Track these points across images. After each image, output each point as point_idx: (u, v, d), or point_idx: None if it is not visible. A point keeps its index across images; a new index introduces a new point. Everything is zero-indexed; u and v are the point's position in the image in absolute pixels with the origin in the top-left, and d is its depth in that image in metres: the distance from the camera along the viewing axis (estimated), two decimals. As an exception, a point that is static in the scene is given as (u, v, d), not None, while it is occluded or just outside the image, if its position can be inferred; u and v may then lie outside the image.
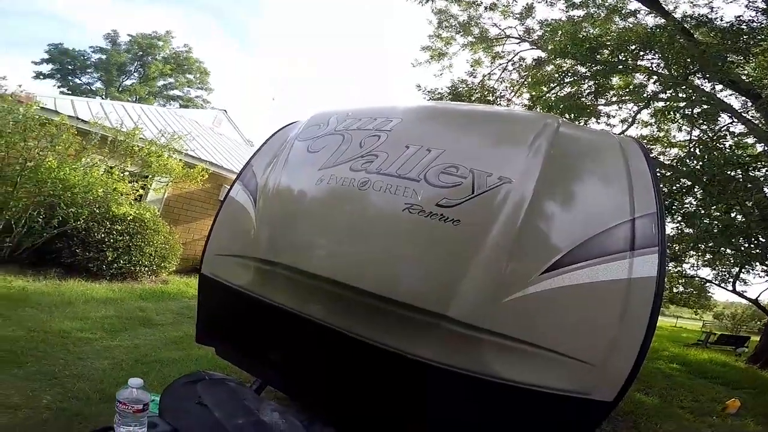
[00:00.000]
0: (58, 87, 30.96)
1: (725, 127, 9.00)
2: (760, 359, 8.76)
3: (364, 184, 1.73)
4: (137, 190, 7.21)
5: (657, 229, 1.60)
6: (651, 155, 2.07)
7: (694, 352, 10.98)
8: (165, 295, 6.29)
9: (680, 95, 8.42)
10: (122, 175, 6.83)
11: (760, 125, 8.11)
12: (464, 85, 10.73)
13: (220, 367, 3.34)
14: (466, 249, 1.55)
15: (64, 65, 31.39)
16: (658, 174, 8.83)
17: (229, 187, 2.73)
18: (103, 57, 32.15)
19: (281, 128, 2.95)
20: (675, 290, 17.61)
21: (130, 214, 6.60)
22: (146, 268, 6.77)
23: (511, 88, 11.08)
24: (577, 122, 8.93)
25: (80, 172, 6.21)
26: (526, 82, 10.72)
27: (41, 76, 30.77)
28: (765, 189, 7.80)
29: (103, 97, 28.74)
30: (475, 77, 11.24)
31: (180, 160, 7.85)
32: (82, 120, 6.93)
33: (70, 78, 31.94)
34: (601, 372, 1.56)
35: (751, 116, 8.82)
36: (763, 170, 8.04)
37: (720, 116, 8.81)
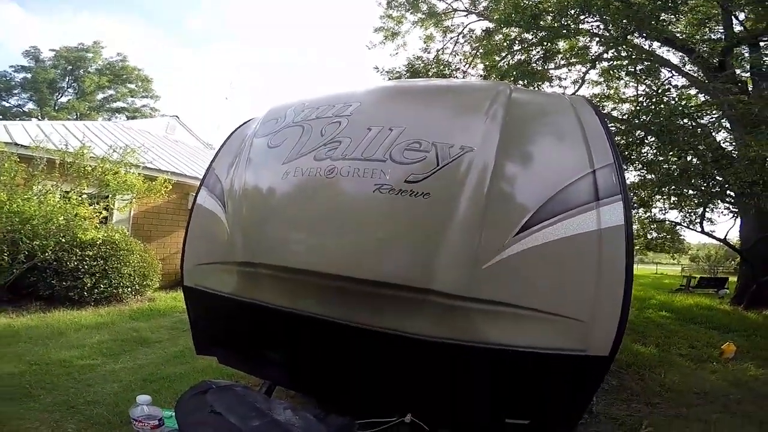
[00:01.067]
0: (-17, 113, 28.78)
1: (667, 81, 9.54)
2: (741, 300, 9.19)
3: (331, 171, 1.72)
4: (100, 213, 6.89)
5: (617, 178, 1.67)
6: (602, 111, 2.15)
7: (679, 297, 11.45)
8: (155, 313, 6.17)
9: (622, 54, 8.82)
10: (81, 199, 6.50)
11: (698, 77, 8.62)
12: (420, 62, 10.90)
13: (227, 375, 3.38)
14: (440, 221, 1.58)
15: (-14, 89, 29.15)
16: (613, 128, 9.33)
17: (195, 194, 2.67)
18: (29, 76, 29.91)
19: (238, 127, 2.87)
20: (649, 236, 18.52)
21: (99, 238, 6.32)
22: (129, 289, 6.58)
23: (465, 60, 11.33)
24: (530, 87, 9.28)
25: (35, 202, 5.89)
26: (478, 53, 10.95)
27: (-39, 103, 28.51)
28: (713, 134, 8.39)
29: (39, 118, 26.85)
30: (429, 53, 11.45)
31: (139, 174, 7.52)
32: (22, 145, 6.51)
33: (-5, 102, 29.73)
34: (592, 326, 1.61)
35: (689, 69, 9.43)
36: (707, 117, 8.59)
37: (661, 71, 9.40)
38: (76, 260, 5.93)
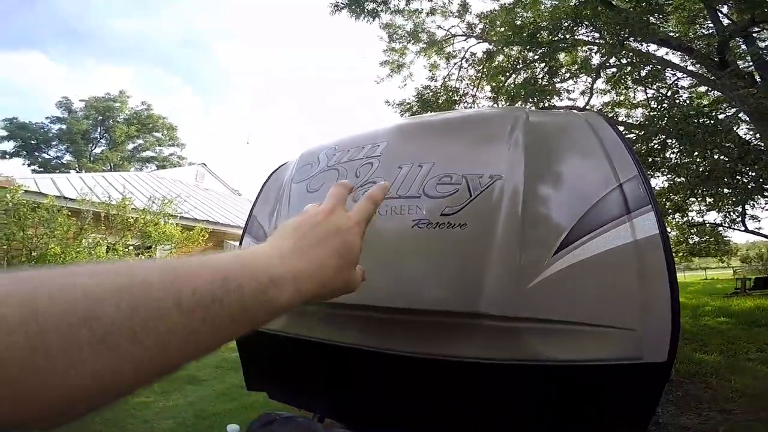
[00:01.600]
0: (28, 165, 30.72)
1: (674, 83, 9.52)
2: None
3: (370, 212, 1.85)
4: (144, 262, 7.31)
5: (644, 189, 1.71)
6: (616, 123, 2.21)
7: (735, 301, 10.98)
8: (201, 351, 6.40)
9: (623, 61, 8.94)
10: (126, 250, 6.93)
11: (704, 75, 8.59)
12: (428, 91, 11.23)
13: (274, 409, 3.48)
14: (480, 248, 1.66)
15: (27, 140, 31.08)
16: (632, 136, 9.30)
17: (239, 242, 2.84)
18: (64, 127, 31.91)
19: (272, 173, 3.07)
20: (691, 241, 17.68)
21: (146, 288, 6.69)
22: (172, 334, 6.86)
23: (472, 83, 11.59)
24: (541, 104, 9.42)
25: (85, 254, 6.33)
26: (483, 76, 11.21)
27: (6, 155, 30.53)
28: (734, 129, 8.25)
29: (77, 170, 28.53)
30: (436, 81, 11.82)
31: (176, 224, 7.98)
32: (70, 198, 7.07)
33: (36, 154, 31.65)
34: (644, 334, 1.62)
35: (694, 68, 9.45)
36: (723, 114, 8.49)
37: (666, 74, 9.40)
38: (126, 310, 6.26)
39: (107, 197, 7.37)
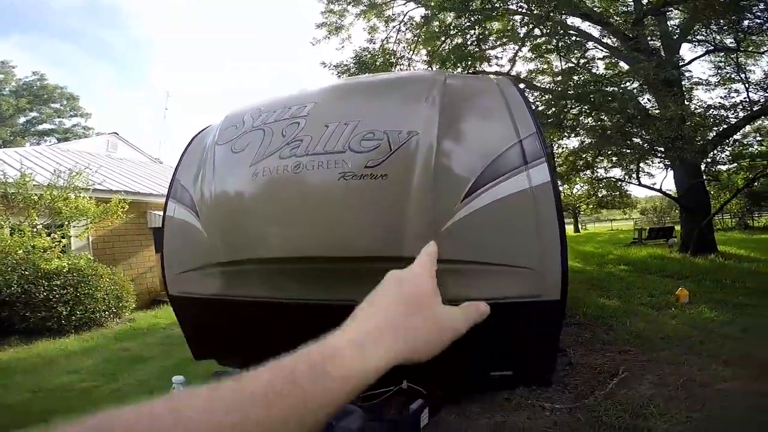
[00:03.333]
0: None
1: (589, 55, 10.58)
2: (688, 247, 9.99)
3: (297, 167, 1.93)
4: (59, 242, 6.66)
5: (539, 144, 1.96)
6: (529, 88, 2.47)
7: (633, 250, 12.18)
8: (139, 332, 6.17)
9: (548, 32, 9.52)
10: (35, 230, 6.25)
11: (618, 48, 9.53)
12: (367, 53, 11.10)
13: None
14: (399, 196, 1.83)
15: None
16: (543, 99, 10.14)
17: (164, 208, 2.75)
18: None
19: (195, 136, 2.96)
20: (600, 194, 19.83)
21: (64, 266, 6.18)
22: (106, 313, 6.51)
23: (409, 47, 11.65)
24: (471, 68, 9.83)
25: (-15, 238, 5.63)
26: (419, 40, 11.26)
27: None
28: (638, 97, 9.37)
29: None
30: (374, 43, 11.63)
31: (90, 197, 7.27)
32: None
33: None
34: (541, 273, 1.88)
35: (609, 41, 10.41)
36: (629, 84, 9.57)
37: (586, 45, 10.23)
38: (45, 291, 5.83)
39: (2, 174, 6.53)
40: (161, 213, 2.92)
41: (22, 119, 29.67)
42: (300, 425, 0.32)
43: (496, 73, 10.74)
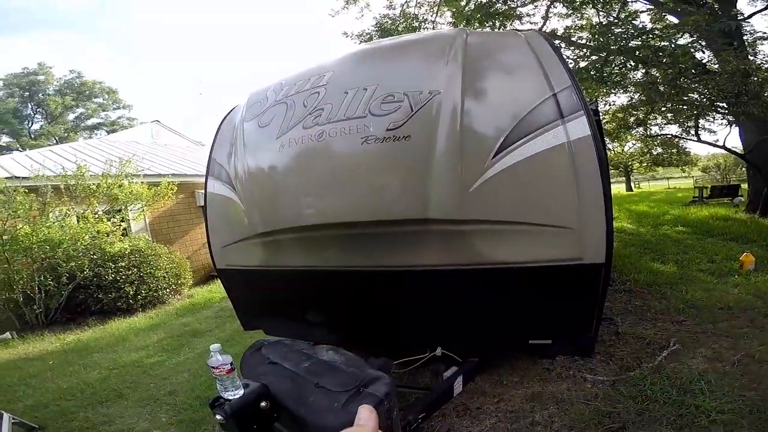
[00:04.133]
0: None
1: (625, 6, 9.39)
2: (757, 207, 9.12)
3: (320, 135, 1.92)
4: (120, 225, 7.25)
5: (577, 97, 1.81)
6: (558, 44, 2.25)
7: (693, 210, 11.06)
8: (197, 307, 6.66)
9: None
10: (97, 216, 6.81)
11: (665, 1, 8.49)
12: (388, 20, 10.67)
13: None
14: (424, 157, 1.78)
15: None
16: (582, 54, 9.31)
17: (204, 186, 2.88)
18: None
19: (225, 116, 3.03)
20: (655, 152, 18.30)
21: (127, 249, 6.76)
22: (167, 290, 7.09)
23: (431, 9, 11.03)
24: (500, 27, 9.15)
25: (56, 228, 6.22)
26: (442, 1, 10.65)
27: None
28: (693, 52, 8.38)
29: (20, 149, 26.47)
30: (394, 9, 11.13)
31: (142, 182, 7.77)
32: (22, 177, 6.73)
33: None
34: (582, 234, 1.76)
35: None
36: (683, 37, 8.54)
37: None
38: (113, 273, 6.41)
39: (61, 169, 7.03)
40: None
41: (71, 116, 31.76)
42: None
43: (531, 29, 10.02)
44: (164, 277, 6.97)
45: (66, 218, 6.49)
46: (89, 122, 32.56)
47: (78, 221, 6.65)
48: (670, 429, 2.20)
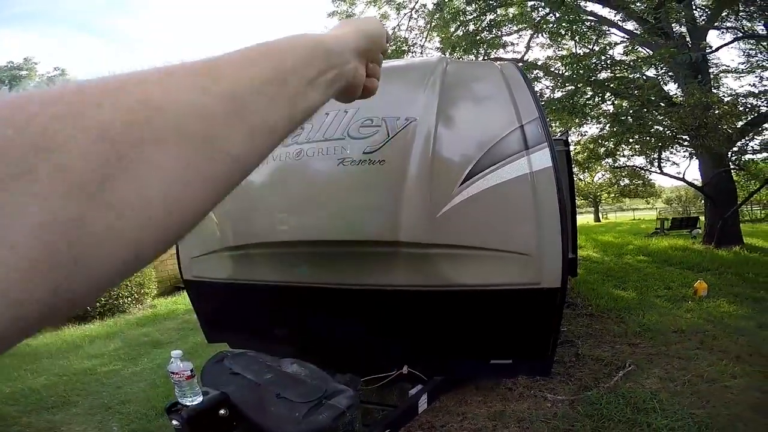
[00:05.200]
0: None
1: (606, 41, 10.17)
2: (712, 239, 9.64)
3: (298, 154, 1.99)
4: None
5: (542, 130, 1.96)
6: (527, 74, 2.42)
7: (654, 241, 11.64)
8: (159, 318, 6.41)
9: (564, 16, 9.29)
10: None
11: (641, 34, 9.22)
12: (379, 43, 11.02)
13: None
14: (397, 181, 1.87)
15: None
16: (556, 84, 9.88)
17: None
18: None
19: None
20: (622, 183, 19.27)
21: (87, 253, 6.47)
22: (129, 299, 6.80)
23: (421, 34, 11.45)
24: (485, 56, 9.60)
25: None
26: (431, 27, 11.10)
27: None
28: (662, 84, 9.03)
29: None
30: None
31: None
32: None
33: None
34: (540, 260, 1.88)
35: (630, 28, 10.07)
36: (652, 70, 9.19)
37: (603, 30, 9.88)
38: (69, 278, 6.08)
39: None
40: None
41: (50, 114, 30.65)
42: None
43: (515, 59, 10.54)
44: (126, 285, 6.71)
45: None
46: (69, 122, 31.39)
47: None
48: (624, 446, 2.28)
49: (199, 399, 1.66)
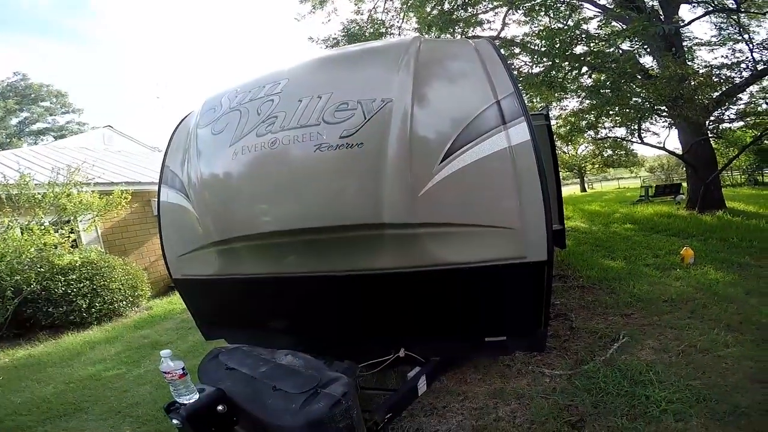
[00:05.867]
0: None
1: (574, 12, 10.13)
2: (695, 204, 9.83)
3: (273, 143, 1.94)
4: (68, 237, 6.82)
5: (518, 104, 1.93)
6: (500, 49, 2.37)
7: (640, 208, 11.79)
8: (156, 319, 6.39)
9: None
10: (43, 227, 6.38)
11: (613, 9, 9.18)
12: (355, 25, 10.75)
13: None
14: (376, 163, 1.84)
15: None
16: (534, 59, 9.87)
17: (158, 194, 2.80)
18: None
19: (179, 122, 2.98)
20: (605, 154, 19.48)
21: (77, 261, 6.36)
22: (124, 303, 6.74)
23: (398, 15, 11.23)
24: (462, 34, 9.47)
25: (-1, 241, 5.79)
26: (409, 6, 10.90)
27: None
28: (638, 57, 9.04)
29: None
30: (362, 14, 11.23)
31: (92, 191, 7.36)
32: None
33: None
34: (524, 233, 1.87)
35: (606, 2, 10.06)
36: (628, 44, 9.22)
37: (576, 4, 9.96)
38: (63, 286, 6.03)
39: (1, 177, 6.42)
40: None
41: (14, 120, 29.62)
42: None
43: (493, 37, 10.44)
44: (120, 289, 6.63)
45: (8, 230, 6.05)
46: (34, 127, 30.39)
47: (22, 233, 6.22)
48: (624, 420, 2.33)
49: (195, 396, 1.65)
